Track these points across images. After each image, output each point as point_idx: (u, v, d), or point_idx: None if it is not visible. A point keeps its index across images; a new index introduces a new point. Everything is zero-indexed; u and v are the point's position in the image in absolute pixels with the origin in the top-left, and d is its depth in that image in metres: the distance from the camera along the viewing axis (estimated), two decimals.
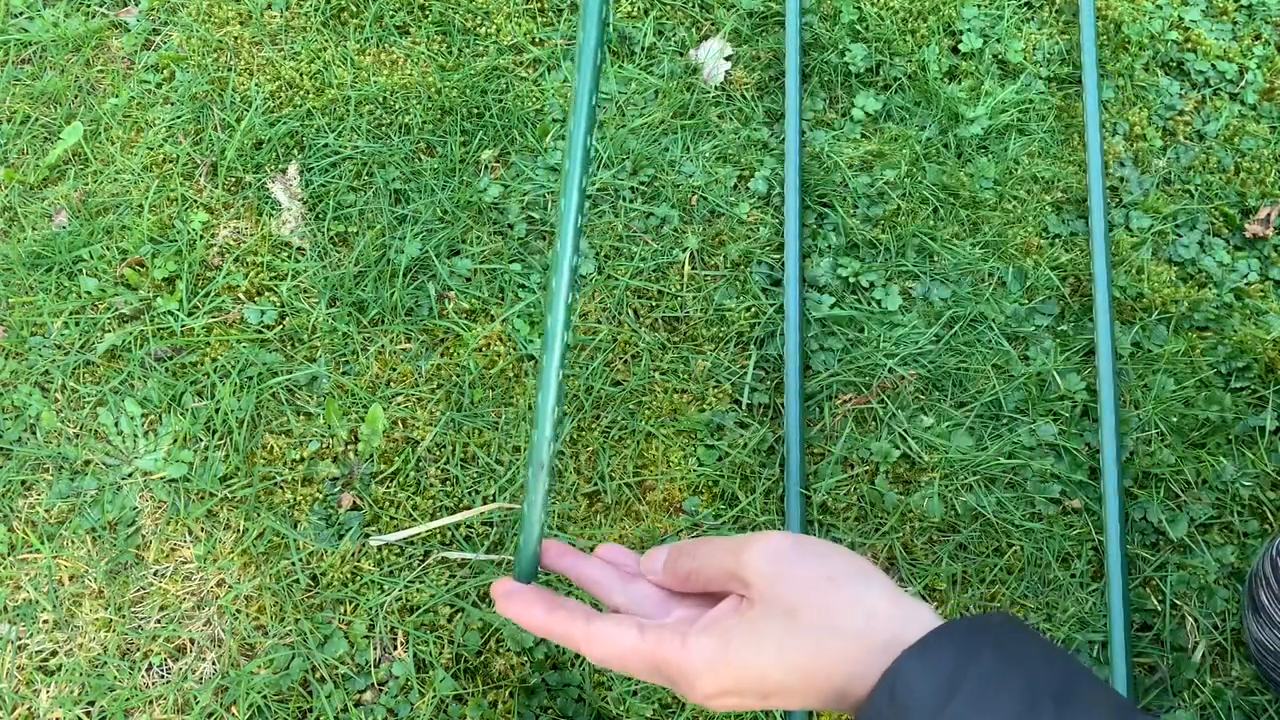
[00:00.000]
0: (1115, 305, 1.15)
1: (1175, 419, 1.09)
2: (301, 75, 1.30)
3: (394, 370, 1.13)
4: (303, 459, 1.09)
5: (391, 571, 1.04)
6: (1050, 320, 1.15)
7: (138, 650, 1.01)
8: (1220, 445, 1.08)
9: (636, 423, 1.10)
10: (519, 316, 1.16)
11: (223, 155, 1.25)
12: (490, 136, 1.26)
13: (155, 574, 1.04)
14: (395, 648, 1.01)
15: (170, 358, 1.14)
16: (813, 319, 1.15)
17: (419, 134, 1.26)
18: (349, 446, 1.10)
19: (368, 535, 1.05)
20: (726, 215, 1.21)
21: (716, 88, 1.30)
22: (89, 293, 1.17)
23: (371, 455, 1.09)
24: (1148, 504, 1.05)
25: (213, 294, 1.17)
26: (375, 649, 1.01)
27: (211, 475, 1.08)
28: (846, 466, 1.08)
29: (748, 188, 1.23)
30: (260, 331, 1.15)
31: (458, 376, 1.13)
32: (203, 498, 1.07)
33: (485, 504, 1.06)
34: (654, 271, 1.18)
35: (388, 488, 1.07)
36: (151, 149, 1.26)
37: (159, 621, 1.02)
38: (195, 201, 1.23)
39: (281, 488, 1.08)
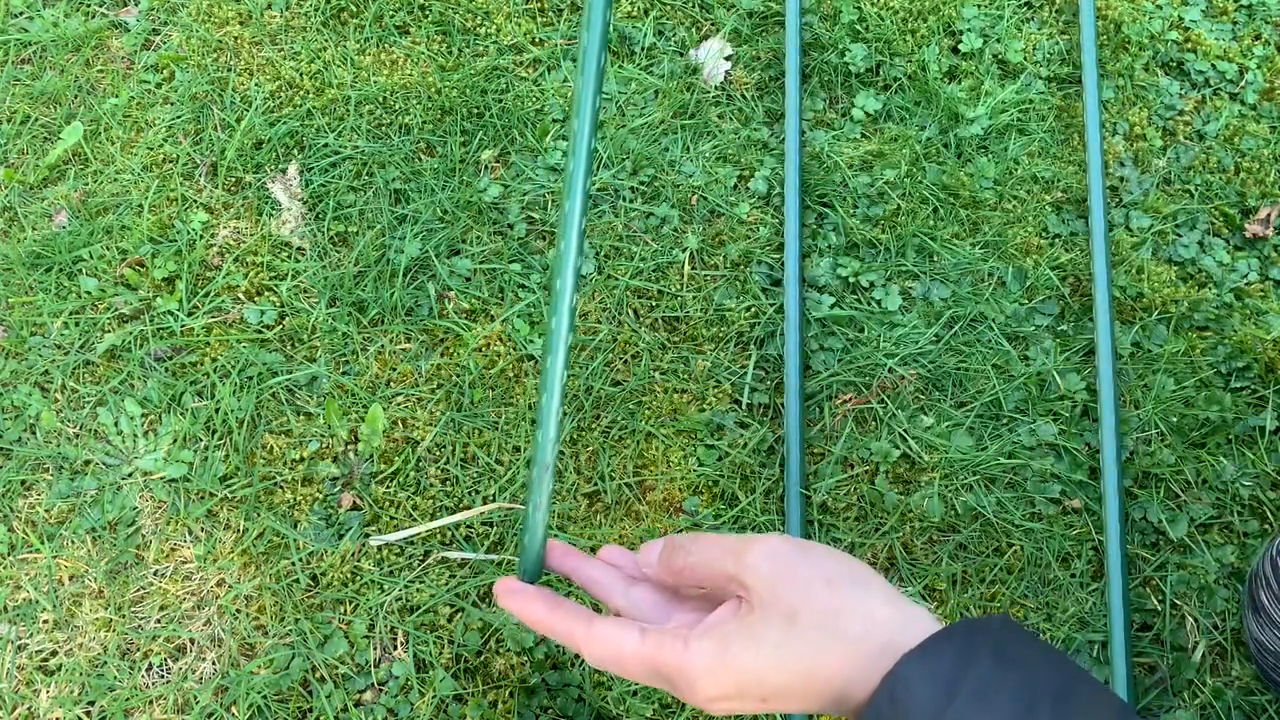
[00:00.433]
0: (1115, 305, 1.15)
1: (1175, 419, 1.09)
2: (301, 75, 1.30)
3: (394, 370, 1.13)
4: (303, 459, 1.09)
5: (391, 571, 1.04)
6: (1050, 320, 1.15)
7: (138, 650, 1.01)
8: (1220, 445, 1.08)
9: (636, 423, 1.10)
10: (519, 316, 1.16)
11: (223, 155, 1.25)
12: (490, 136, 1.26)
13: (155, 574, 1.04)
14: (395, 648, 1.01)
15: (170, 358, 1.14)
16: (813, 319, 1.15)
17: (419, 134, 1.26)
18: (349, 446, 1.10)
19: (368, 535, 1.05)
20: (726, 215, 1.21)
21: (716, 88, 1.30)
22: (89, 293, 1.17)
23: (371, 455, 1.09)
24: (1148, 504, 1.05)
25: (213, 294, 1.17)
26: (375, 649, 1.01)
27: (211, 475, 1.08)
28: (846, 466, 1.08)
29: (748, 188, 1.23)
30: (260, 331, 1.15)
31: (458, 376, 1.13)
32: (203, 498, 1.07)
33: (485, 504, 1.06)
34: (654, 271, 1.18)
35: (388, 488, 1.07)
36: (151, 149, 1.26)
37: (159, 621, 1.02)
38: (195, 201, 1.23)
39: (281, 488, 1.08)
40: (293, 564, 1.04)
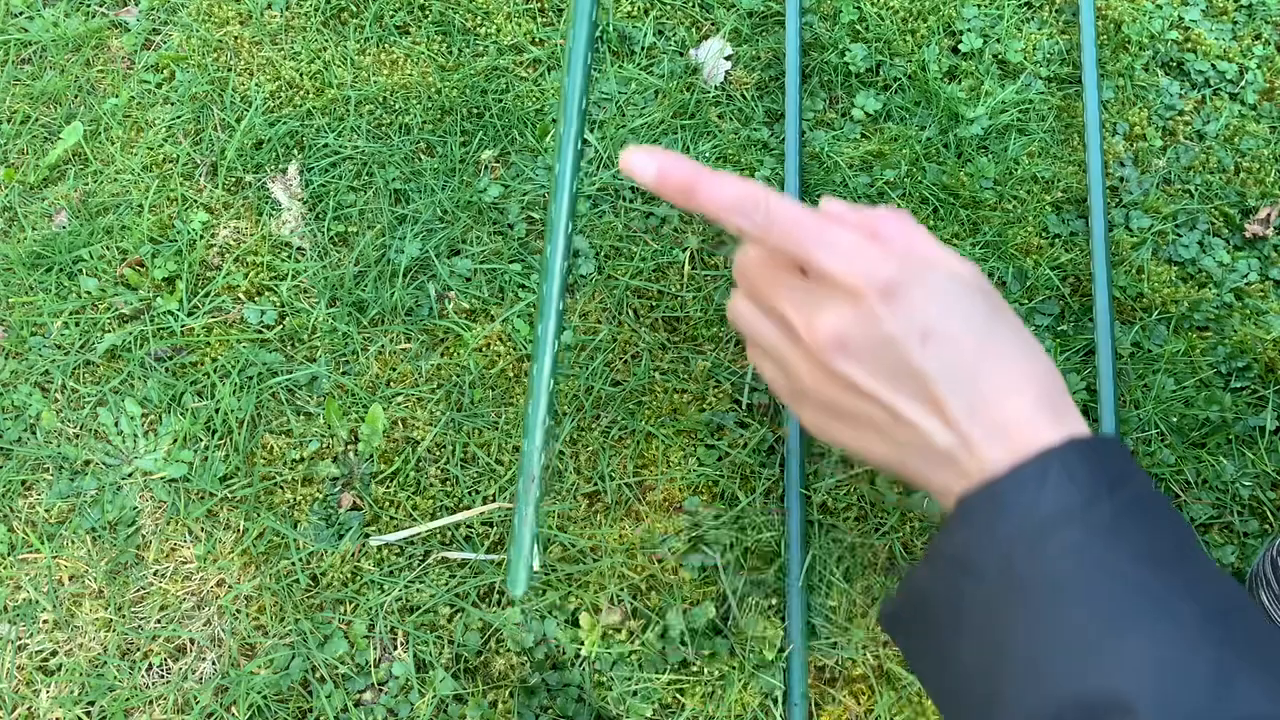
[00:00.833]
0: (1115, 305, 1.15)
1: (1175, 419, 1.09)
2: (301, 75, 1.30)
3: (394, 370, 1.13)
4: (303, 459, 1.09)
5: (391, 571, 1.04)
6: (1050, 320, 1.15)
7: (138, 650, 1.01)
8: (1220, 445, 1.08)
9: (636, 423, 1.10)
10: (519, 316, 1.16)
11: (223, 155, 1.25)
12: (490, 136, 1.26)
13: (155, 574, 1.04)
14: (395, 648, 1.01)
15: (170, 358, 1.14)
16: None
17: (419, 134, 1.26)
18: (349, 446, 1.10)
19: (368, 535, 1.05)
20: None
21: (716, 88, 1.30)
22: (89, 293, 1.17)
23: (371, 455, 1.09)
24: None
25: (213, 294, 1.17)
26: (375, 649, 1.01)
27: (211, 475, 1.08)
28: (846, 466, 1.08)
29: None
30: (260, 331, 1.15)
31: (458, 376, 1.13)
32: (203, 498, 1.07)
33: (485, 504, 1.06)
34: (654, 271, 1.18)
35: (388, 488, 1.07)
36: (151, 149, 1.26)
37: (159, 621, 1.02)
38: (195, 201, 1.23)
39: (281, 488, 1.08)
40: (293, 564, 1.04)
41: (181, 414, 1.11)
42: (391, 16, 1.34)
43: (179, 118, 1.28)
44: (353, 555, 1.04)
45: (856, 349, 0.43)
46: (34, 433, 1.11)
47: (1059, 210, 1.22)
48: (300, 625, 1.01)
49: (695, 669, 0.99)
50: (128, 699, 0.99)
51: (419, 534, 1.05)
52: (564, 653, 1.00)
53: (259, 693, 0.98)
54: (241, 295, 1.17)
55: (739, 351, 1.14)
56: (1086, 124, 1.23)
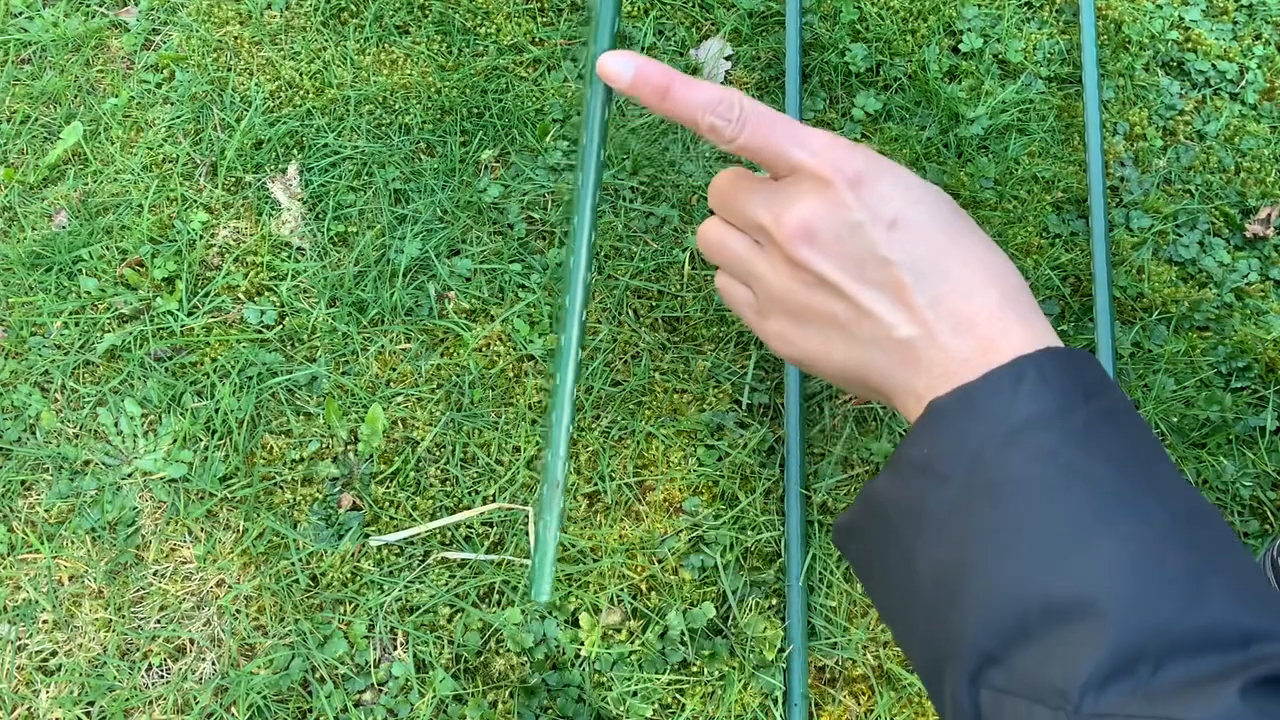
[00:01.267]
0: (1115, 305, 1.14)
1: (1175, 419, 1.09)
2: (301, 75, 1.30)
3: (394, 370, 1.13)
4: (303, 459, 1.09)
5: (391, 571, 1.04)
6: (1051, 320, 1.15)
7: (137, 650, 1.01)
8: (1220, 445, 1.08)
9: (636, 423, 1.10)
10: (519, 316, 1.16)
11: (223, 155, 1.25)
12: (490, 136, 1.26)
13: (155, 574, 1.04)
14: (395, 648, 1.01)
15: (170, 358, 1.14)
16: None
17: (419, 134, 1.26)
18: (349, 446, 1.10)
19: (368, 535, 1.05)
20: None
21: None
22: (89, 293, 1.17)
23: (371, 455, 1.09)
24: None
25: (212, 294, 1.17)
26: (375, 649, 1.01)
27: (211, 475, 1.08)
28: (846, 466, 1.08)
29: None
30: (260, 331, 1.15)
31: (458, 376, 1.13)
32: (203, 498, 1.07)
33: (485, 504, 1.06)
34: (654, 271, 1.18)
35: (388, 488, 1.07)
36: (151, 149, 1.26)
37: (159, 621, 1.02)
38: (195, 201, 1.23)
39: (281, 488, 1.08)
40: (292, 564, 1.04)
41: (181, 414, 1.11)
42: (391, 16, 1.34)
43: (179, 118, 1.28)
44: (352, 555, 1.04)
45: (824, 238, 0.43)
46: (34, 433, 1.11)
47: (1059, 210, 1.22)
48: (300, 625, 1.01)
49: (695, 669, 0.99)
50: (127, 699, 0.99)
51: (419, 534, 1.05)
52: (564, 653, 1.00)
53: (259, 693, 0.98)
54: (241, 295, 1.17)
55: (739, 351, 1.14)
56: (1087, 124, 1.23)
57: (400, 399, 1.12)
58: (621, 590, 1.02)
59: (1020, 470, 0.39)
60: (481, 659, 1.00)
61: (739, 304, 0.49)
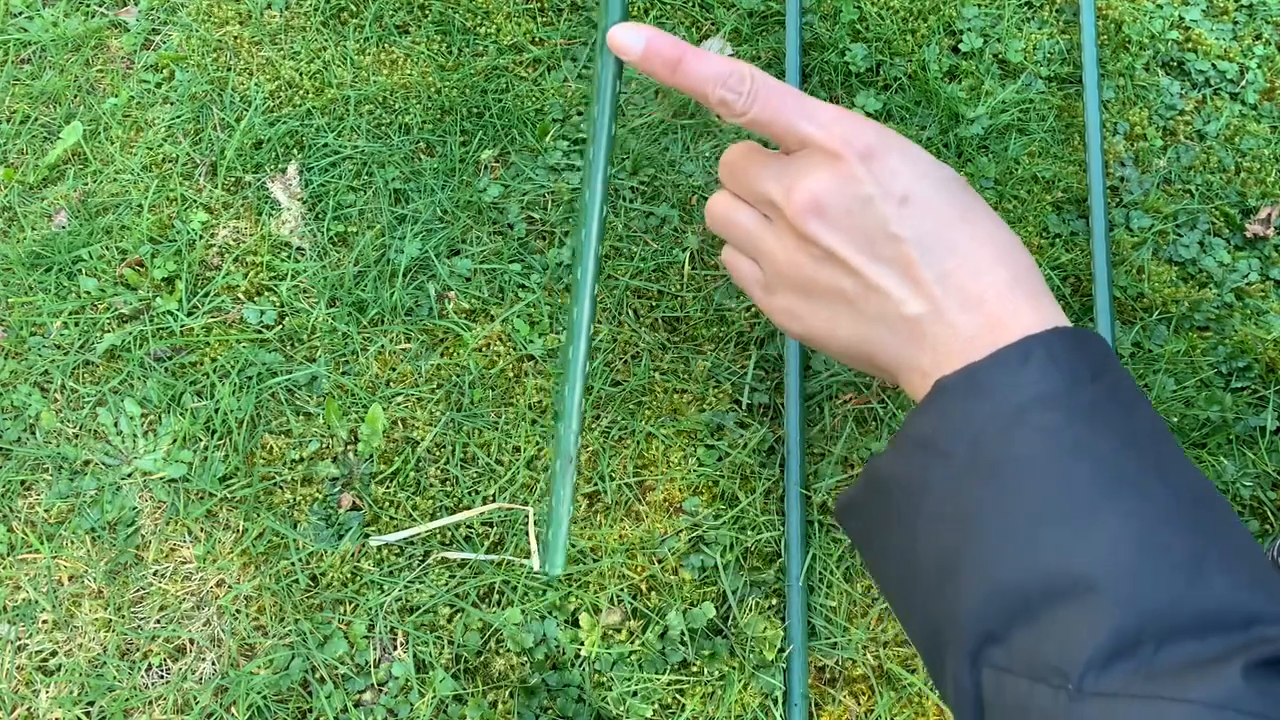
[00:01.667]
0: (1116, 305, 1.14)
1: (1175, 419, 1.09)
2: (301, 75, 1.30)
3: (394, 370, 1.13)
4: (302, 459, 1.09)
5: (391, 571, 1.04)
6: None
7: (137, 650, 1.01)
8: (1220, 445, 1.08)
9: (636, 423, 1.10)
10: (519, 316, 1.16)
11: (222, 155, 1.25)
12: (490, 136, 1.26)
13: (155, 574, 1.04)
14: (395, 648, 1.01)
15: (170, 358, 1.14)
16: None
17: (419, 134, 1.26)
18: (349, 446, 1.10)
19: (368, 535, 1.05)
20: None
21: None
22: (89, 293, 1.17)
23: (371, 455, 1.09)
24: None
25: (212, 294, 1.17)
26: (375, 649, 1.01)
27: (211, 475, 1.08)
28: (846, 466, 1.08)
29: None
30: (260, 331, 1.15)
31: (458, 376, 1.13)
32: (202, 498, 1.07)
33: (485, 504, 1.06)
34: (654, 271, 1.18)
35: (388, 488, 1.07)
36: (151, 149, 1.26)
37: (159, 621, 1.02)
38: (195, 201, 1.23)
39: (281, 488, 1.08)
40: (292, 564, 1.04)
41: (181, 414, 1.11)
42: (391, 16, 1.34)
43: (179, 118, 1.28)
44: (352, 555, 1.04)
45: (834, 212, 0.43)
46: (33, 433, 1.11)
47: (1059, 210, 1.22)
48: (300, 625, 1.01)
49: (695, 669, 0.99)
50: (127, 699, 0.99)
51: (419, 534, 1.05)
52: (564, 653, 1.00)
53: (259, 693, 0.98)
54: (241, 295, 1.17)
55: (739, 351, 1.14)
56: (1087, 124, 1.23)
57: (400, 399, 1.12)
58: (621, 590, 1.02)
59: (1024, 448, 0.39)
60: (481, 659, 1.00)
61: (745, 279, 0.49)
